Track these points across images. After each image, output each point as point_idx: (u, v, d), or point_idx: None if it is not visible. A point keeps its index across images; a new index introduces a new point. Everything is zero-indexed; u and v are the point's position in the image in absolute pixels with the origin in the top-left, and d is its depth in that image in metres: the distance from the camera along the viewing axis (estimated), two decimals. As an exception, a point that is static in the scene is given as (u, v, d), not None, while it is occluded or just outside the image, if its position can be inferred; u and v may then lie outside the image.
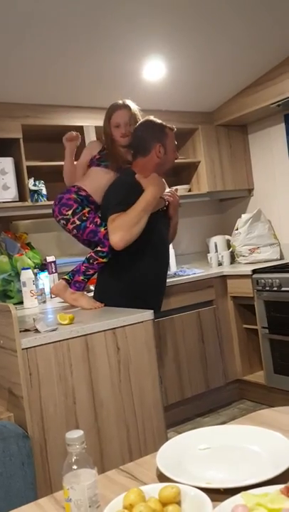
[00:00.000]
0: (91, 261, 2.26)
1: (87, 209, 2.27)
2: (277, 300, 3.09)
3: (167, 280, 3.27)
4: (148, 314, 1.96)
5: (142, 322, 1.93)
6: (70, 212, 2.25)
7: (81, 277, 2.29)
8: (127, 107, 2.39)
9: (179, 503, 0.80)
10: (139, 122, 2.38)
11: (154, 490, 0.83)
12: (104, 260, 2.24)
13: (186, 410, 3.24)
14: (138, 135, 2.33)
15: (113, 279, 2.31)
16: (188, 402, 3.25)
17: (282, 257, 3.81)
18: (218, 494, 0.82)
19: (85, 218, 2.24)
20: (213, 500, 0.78)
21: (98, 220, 2.24)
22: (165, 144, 2.32)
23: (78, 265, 2.33)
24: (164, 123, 2.37)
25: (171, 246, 3.83)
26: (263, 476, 0.84)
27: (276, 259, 3.70)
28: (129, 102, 2.41)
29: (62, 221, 2.29)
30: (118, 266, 2.27)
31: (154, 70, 3.10)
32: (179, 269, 3.71)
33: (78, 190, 2.32)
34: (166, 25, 2.64)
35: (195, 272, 3.55)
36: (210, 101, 3.73)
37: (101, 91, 3.20)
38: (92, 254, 2.26)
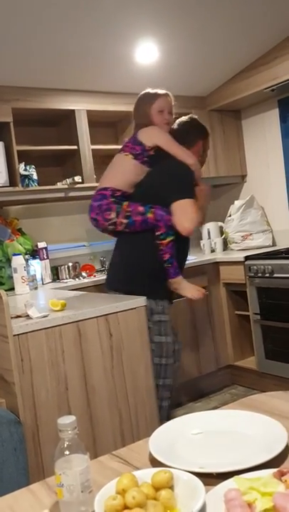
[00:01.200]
0: (160, 248, 2.23)
1: (124, 204, 2.24)
2: (269, 286, 3.09)
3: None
4: (141, 300, 1.95)
5: (135, 308, 1.93)
6: (113, 214, 2.22)
7: (166, 265, 2.27)
8: (169, 96, 2.43)
9: (172, 487, 0.80)
10: (190, 117, 2.50)
11: (146, 475, 0.82)
12: (169, 239, 2.22)
13: (178, 395, 3.25)
14: (188, 127, 2.43)
15: (146, 260, 2.28)
16: (181, 387, 3.26)
17: (274, 244, 3.81)
18: (211, 479, 0.82)
19: (129, 214, 2.21)
20: (206, 484, 0.77)
21: (140, 208, 2.21)
22: (204, 146, 2.45)
23: None
24: (205, 126, 2.51)
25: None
26: (256, 461, 0.84)
27: (268, 246, 3.70)
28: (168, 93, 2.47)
29: (110, 226, 2.25)
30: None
31: (147, 53, 3.06)
32: (172, 256, 3.70)
33: (113, 192, 2.27)
34: (158, 8, 2.59)
35: (188, 258, 3.54)
36: (203, 85, 3.69)
37: (93, 74, 3.16)
38: (157, 242, 2.23)
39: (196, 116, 2.53)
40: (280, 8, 2.84)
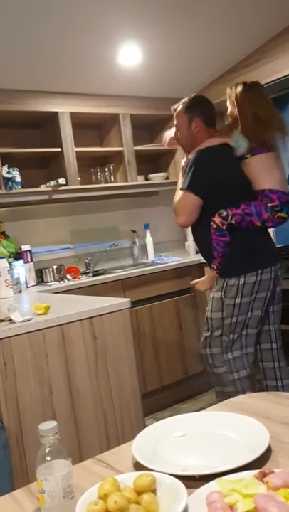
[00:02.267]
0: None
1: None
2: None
3: (145, 269, 3.29)
4: (125, 303, 1.95)
5: (120, 310, 1.92)
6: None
7: None
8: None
9: (154, 491, 0.80)
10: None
11: (129, 479, 0.82)
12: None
13: (165, 397, 3.25)
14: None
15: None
16: (167, 389, 3.27)
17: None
18: (193, 481, 0.82)
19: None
20: (188, 487, 0.77)
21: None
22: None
23: None
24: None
25: (149, 235, 3.83)
26: (238, 462, 0.84)
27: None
28: None
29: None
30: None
31: (130, 55, 3.06)
32: (157, 258, 3.70)
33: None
34: (141, 10, 2.60)
35: (173, 260, 3.55)
36: (186, 87, 3.70)
37: (76, 76, 3.15)
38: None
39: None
40: (262, 12, 2.87)
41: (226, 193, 2.22)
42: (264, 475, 0.76)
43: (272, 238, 2.39)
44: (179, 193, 2.30)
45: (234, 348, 2.25)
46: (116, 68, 3.16)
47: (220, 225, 2.18)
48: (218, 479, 0.78)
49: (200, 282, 2.46)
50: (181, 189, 2.27)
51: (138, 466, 0.91)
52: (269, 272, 2.20)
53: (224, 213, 2.18)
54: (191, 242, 3.90)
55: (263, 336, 2.34)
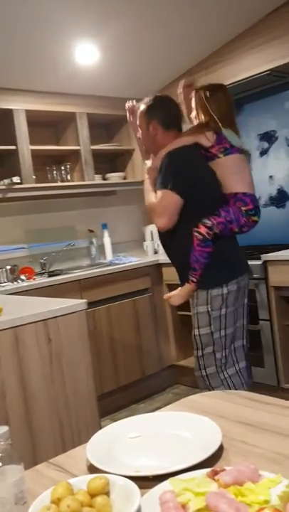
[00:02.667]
0: None
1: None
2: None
3: (103, 269, 3.27)
4: (81, 304, 1.93)
5: (76, 312, 1.91)
6: None
7: None
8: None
9: (107, 493, 0.80)
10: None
11: (82, 482, 0.81)
12: None
13: (122, 398, 3.25)
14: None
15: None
16: (124, 389, 3.27)
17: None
18: (147, 482, 0.82)
19: None
20: (142, 488, 0.78)
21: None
22: None
23: None
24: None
25: (107, 234, 3.82)
26: (191, 461, 0.85)
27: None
28: None
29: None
30: None
31: (87, 54, 3.04)
32: (115, 258, 3.70)
33: None
34: (97, 8, 2.59)
35: (131, 260, 3.56)
36: (145, 88, 3.70)
37: (32, 73, 3.10)
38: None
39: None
40: (220, 14, 2.91)
41: (203, 196, 2.10)
42: (215, 473, 0.77)
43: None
44: (152, 194, 2.15)
45: (228, 366, 2.13)
46: (73, 67, 3.13)
47: (206, 235, 2.05)
48: (171, 479, 0.79)
49: (173, 296, 2.26)
50: (160, 189, 2.09)
51: (92, 469, 0.91)
52: (246, 277, 2.17)
53: (209, 223, 2.05)
54: (149, 243, 3.92)
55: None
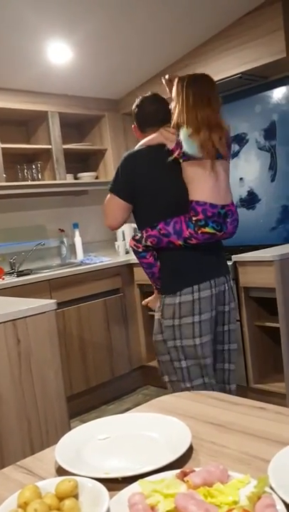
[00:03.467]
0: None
1: None
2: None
3: (73, 269, 3.25)
4: (51, 304, 1.91)
5: (45, 312, 1.88)
6: None
7: None
8: None
9: (76, 496, 0.79)
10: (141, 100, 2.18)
11: (51, 485, 0.80)
12: None
13: (92, 399, 3.23)
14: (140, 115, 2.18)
15: None
16: (94, 390, 3.25)
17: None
18: (116, 484, 0.82)
19: None
20: (111, 490, 0.77)
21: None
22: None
23: None
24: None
25: (77, 234, 3.80)
26: (161, 462, 0.85)
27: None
28: None
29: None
30: None
31: (59, 53, 3.01)
32: (86, 258, 3.68)
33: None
34: (69, 8, 2.56)
35: (102, 260, 3.54)
36: (116, 88, 3.71)
37: (2, 71, 3.05)
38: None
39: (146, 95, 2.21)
40: (193, 17, 2.93)
41: (156, 201, 2.01)
42: (185, 474, 0.77)
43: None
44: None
45: (193, 377, 2.01)
46: (45, 65, 3.09)
47: (134, 247, 2.06)
48: (140, 481, 0.78)
49: (150, 301, 2.27)
50: (108, 191, 2.13)
51: (61, 471, 0.90)
52: (208, 288, 2.00)
53: (138, 236, 2.04)
54: (120, 243, 3.91)
55: (217, 355, 2.12)
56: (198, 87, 1.96)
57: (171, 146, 1.94)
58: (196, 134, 1.90)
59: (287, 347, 2.72)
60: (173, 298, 1.99)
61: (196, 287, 1.98)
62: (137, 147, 2.09)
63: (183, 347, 1.99)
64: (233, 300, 2.13)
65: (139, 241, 2.04)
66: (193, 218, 1.94)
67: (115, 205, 2.08)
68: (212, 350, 2.04)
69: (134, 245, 2.05)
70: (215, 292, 2.02)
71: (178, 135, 1.93)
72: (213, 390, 1.97)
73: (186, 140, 1.91)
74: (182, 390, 1.96)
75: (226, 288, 2.08)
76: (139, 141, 2.11)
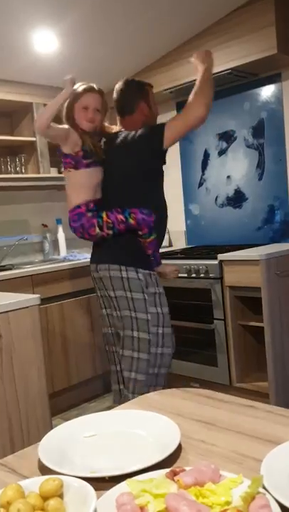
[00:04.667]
0: (145, 245, 2.27)
1: (103, 216, 2.19)
2: (165, 286, 3.14)
3: (56, 265, 3.20)
4: (34, 299, 1.87)
5: (28, 307, 1.84)
6: (97, 229, 2.21)
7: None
8: (100, 93, 2.28)
9: (61, 496, 0.75)
10: (121, 82, 2.39)
11: (34, 484, 0.77)
12: (152, 237, 2.27)
13: (73, 396, 3.19)
14: (122, 95, 2.36)
15: None
16: (75, 388, 3.21)
17: (170, 244, 3.90)
18: (103, 483, 0.79)
19: (111, 225, 2.18)
20: (98, 489, 0.74)
21: (120, 216, 2.18)
22: (148, 101, 2.36)
23: None
24: (142, 81, 2.42)
25: (61, 230, 3.74)
26: (149, 461, 0.82)
27: (165, 247, 3.77)
28: (100, 88, 2.30)
29: (100, 239, 2.26)
30: None
31: (45, 43, 2.96)
32: (70, 254, 3.63)
33: (87, 206, 2.22)
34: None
35: (86, 256, 3.49)
36: (103, 81, 3.64)
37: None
38: (140, 240, 2.26)
39: (129, 79, 2.42)
40: (180, 12, 2.91)
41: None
42: (175, 473, 0.75)
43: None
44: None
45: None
46: (30, 56, 3.04)
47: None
48: (128, 480, 0.75)
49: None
50: None
51: (45, 470, 0.86)
52: (94, 269, 2.36)
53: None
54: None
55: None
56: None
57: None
58: None
59: (271, 346, 2.72)
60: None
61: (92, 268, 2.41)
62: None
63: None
64: (109, 289, 2.29)
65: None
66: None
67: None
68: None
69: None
70: (93, 276, 2.37)
71: None
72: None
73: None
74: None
75: (97, 276, 2.34)
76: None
